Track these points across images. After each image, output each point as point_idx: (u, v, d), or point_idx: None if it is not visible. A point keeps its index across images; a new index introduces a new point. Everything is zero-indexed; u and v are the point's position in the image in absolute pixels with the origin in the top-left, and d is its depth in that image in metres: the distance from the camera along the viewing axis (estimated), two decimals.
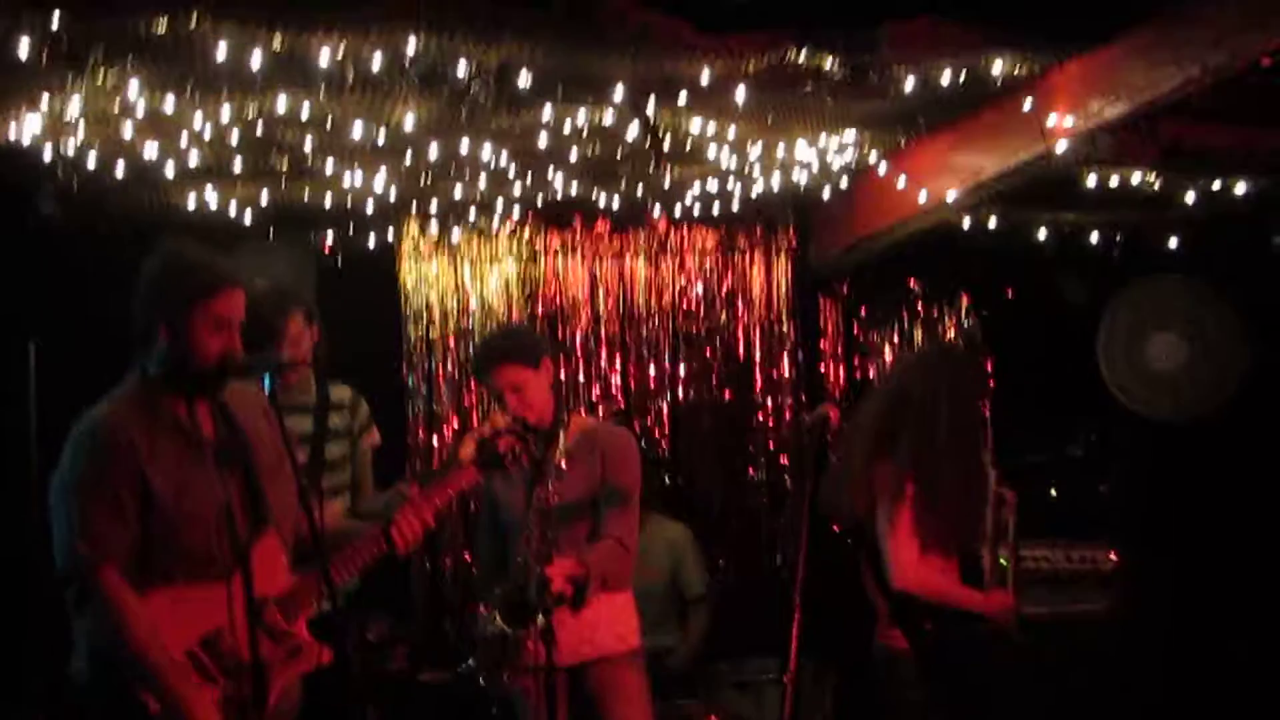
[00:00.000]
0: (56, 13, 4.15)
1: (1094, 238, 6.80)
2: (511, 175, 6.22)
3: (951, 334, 7.60)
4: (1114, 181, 5.72)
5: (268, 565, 3.67)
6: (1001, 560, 4.70)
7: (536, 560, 4.42)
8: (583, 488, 4.63)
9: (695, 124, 5.50)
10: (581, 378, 7.30)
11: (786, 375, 7.52)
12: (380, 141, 5.50)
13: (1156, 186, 5.83)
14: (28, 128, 5.05)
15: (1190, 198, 5.91)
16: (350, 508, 5.16)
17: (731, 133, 5.66)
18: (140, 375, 3.65)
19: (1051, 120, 4.91)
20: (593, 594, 4.53)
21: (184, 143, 5.48)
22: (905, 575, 4.41)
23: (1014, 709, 4.54)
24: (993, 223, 6.41)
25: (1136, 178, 5.72)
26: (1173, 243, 6.62)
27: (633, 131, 5.43)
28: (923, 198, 5.86)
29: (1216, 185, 5.83)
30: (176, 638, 3.50)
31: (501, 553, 4.81)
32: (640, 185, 6.59)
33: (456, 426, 7.14)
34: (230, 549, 3.60)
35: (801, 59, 4.75)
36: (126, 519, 3.49)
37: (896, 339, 7.65)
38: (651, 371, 7.44)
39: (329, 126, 5.33)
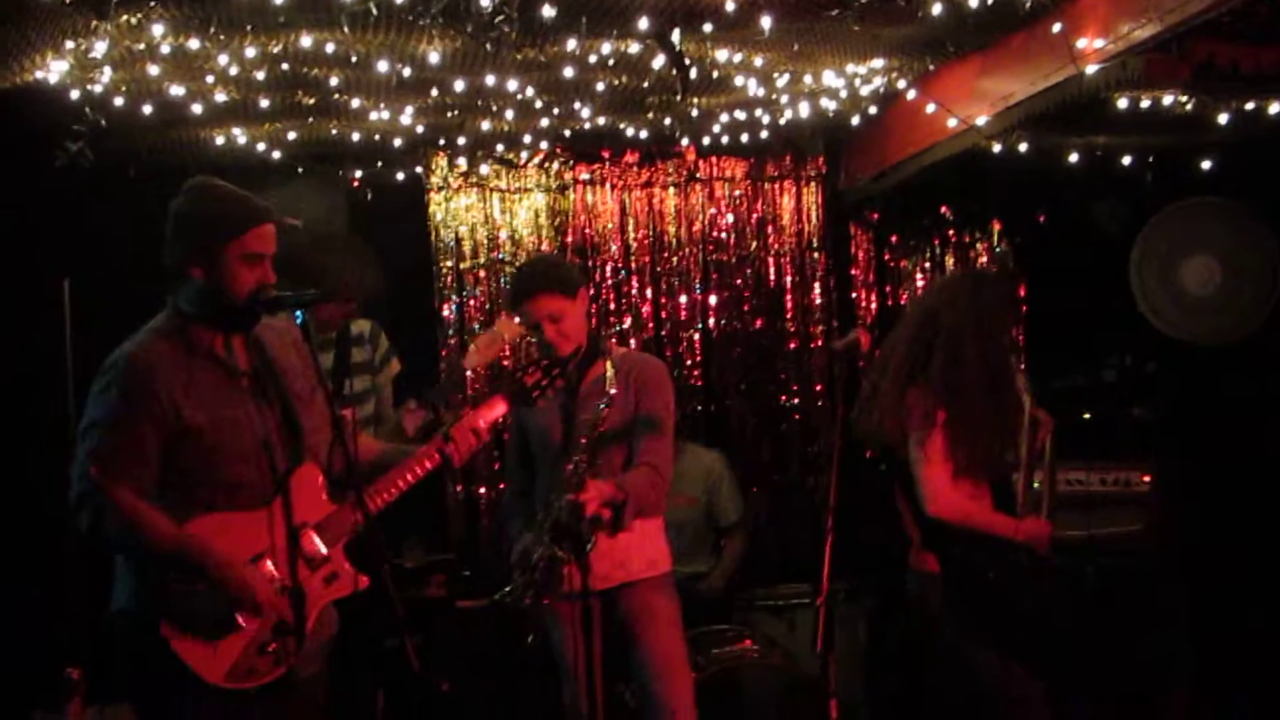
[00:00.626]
0: None
1: (1126, 161, 6.74)
2: (538, 108, 6.21)
3: (983, 259, 7.58)
4: (1145, 104, 5.66)
5: (306, 493, 3.75)
6: (1036, 484, 4.71)
7: (574, 485, 4.47)
8: (619, 415, 4.65)
9: (721, 53, 5.48)
10: (612, 308, 7.31)
11: (817, 303, 7.52)
12: (406, 76, 5.50)
13: (1189, 108, 5.76)
14: (54, 68, 5.07)
15: (1223, 119, 5.84)
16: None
17: (758, 61, 5.63)
18: (174, 311, 3.71)
19: (1081, 43, 4.86)
20: (629, 518, 4.59)
21: (210, 81, 5.49)
22: (937, 501, 4.43)
23: (1047, 632, 4.56)
24: (1023, 147, 6.35)
25: (1168, 100, 5.65)
26: (1206, 165, 6.55)
27: (659, 62, 5.41)
28: (952, 123, 5.83)
29: (1250, 106, 5.76)
30: None
31: (530, 479, 4.86)
32: (668, 115, 6.56)
33: None
34: (269, 477, 3.68)
35: None
36: (145, 455, 3.56)
37: (928, 265, 7.63)
38: (682, 301, 7.45)
39: (354, 63, 5.33)
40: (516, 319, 4.88)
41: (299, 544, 3.68)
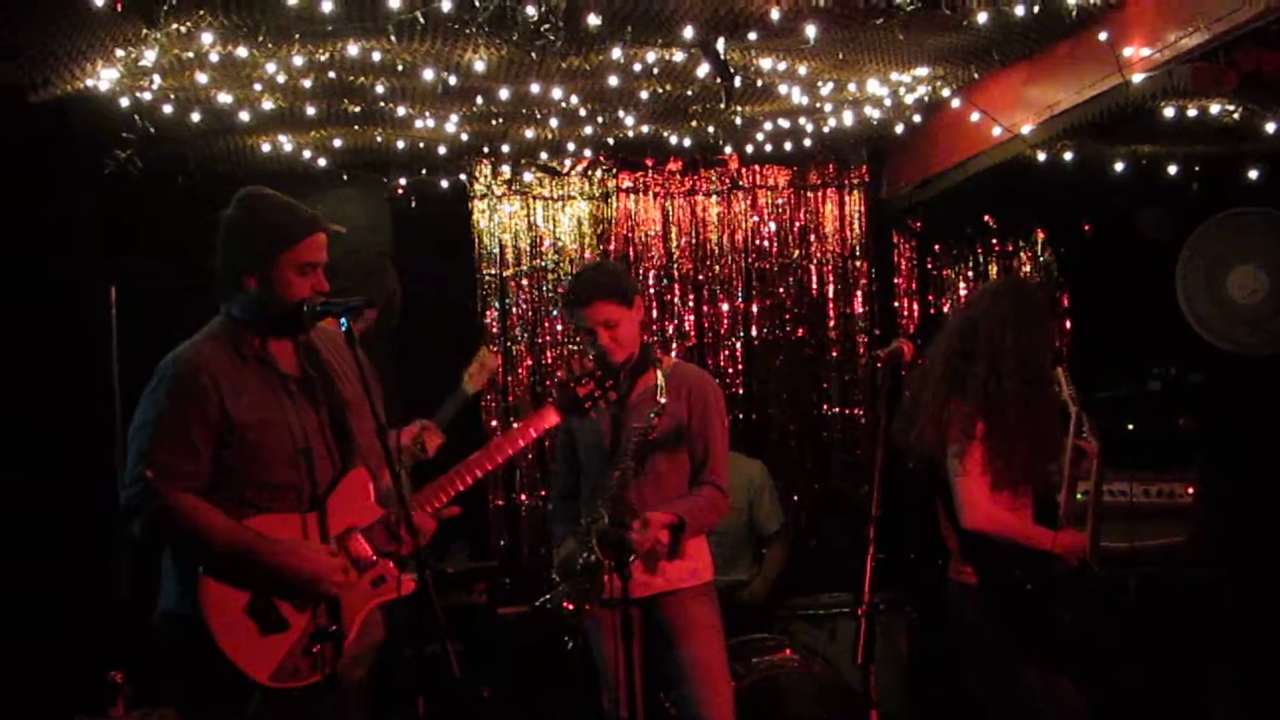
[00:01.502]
0: None
1: (1172, 170, 6.70)
2: (582, 115, 6.23)
3: (1027, 269, 7.54)
4: (1192, 113, 5.63)
5: (355, 497, 3.77)
6: (1079, 496, 4.68)
7: (623, 491, 4.50)
8: (668, 424, 4.67)
9: (766, 62, 5.48)
10: (654, 315, 7.31)
11: (860, 312, 7.50)
12: (451, 84, 5.53)
13: (1236, 117, 5.73)
14: (104, 76, 5.12)
15: (1270, 128, 5.80)
16: None
17: (802, 70, 5.63)
18: (225, 316, 3.76)
19: (1128, 51, 4.85)
20: (687, 540, 4.63)
21: (258, 89, 5.53)
22: (974, 514, 4.41)
23: (1090, 644, 4.54)
24: (1068, 156, 6.33)
25: (1215, 109, 5.63)
26: (1253, 174, 6.50)
27: (703, 70, 5.42)
28: (997, 131, 5.81)
29: None
30: None
31: (577, 485, 4.88)
32: (711, 124, 6.57)
33: (530, 364, 7.20)
34: (311, 480, 3.71)
35: None
36: (198, 453, 3.60)
37: (971, 274, 7.61)
38: (724, 309, 7.45)
39: (400, 71, 5.36)
40: (495, 350, 4.93)
41: (347, 547, 3.71)
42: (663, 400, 4.52)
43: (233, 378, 3.66)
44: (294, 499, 3.69)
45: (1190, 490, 5.89)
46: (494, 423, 7.08)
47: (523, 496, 7.17)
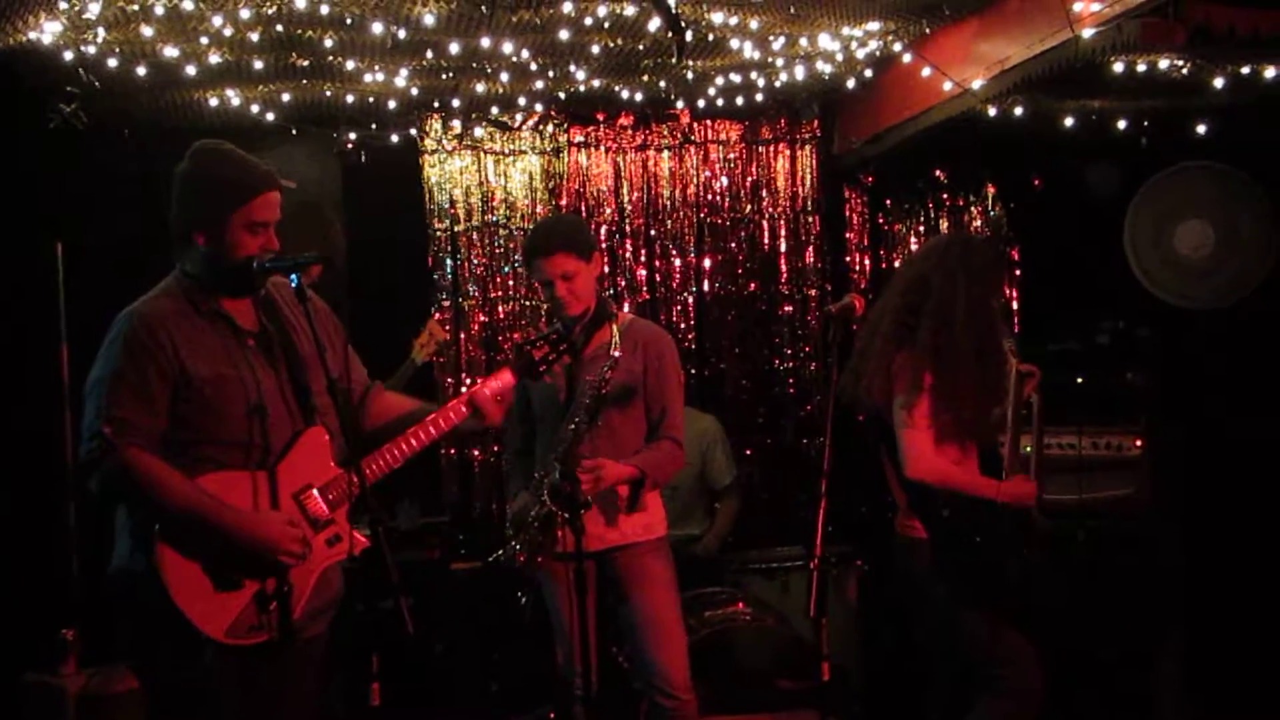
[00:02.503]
0: None
1: (1121, 125, 6.73)
2: (533, 70, 6.19)
3: (977, 224, 7.57)
4: (1141, 68, 5.65)
5: (313, 454, 3.77)
6: (1026, 449, 4.73)
7: (576, 445, 4.54)
8: (622, 378, 4.70)
9: (717, 16, 5.46)
10: (606, 271, 7.30)
11: (812, 266, 7.51)
12: (401, 38, 5.48)
13: (1185, 72, 5.76)
14: (48, 29, 5.05)
15: (1219, 83, 5.83)
16: None
17: (754, 24, 5.61)
18: (180, 273, 3.73)
19: (1078, 6, 4.85)
20: (646, 493, 4.67)
21: (204, 42, 5.47)
22: (918, 465, 4.45)
23: (1037, 595, 4.59)
24: (1019, 111, 6.34)
25: (1164, 63, 5.64)
26: (1201, 129, 6.54)
27: (654, 24, 5.39)
28: (948, 86, 5.81)
29: (1246, 70, 5.75)
30: None
31: (529, 439, 4.90)
32: (663, 78, 6.55)
33: (484, 319, 7.18)
34: (264, 438, 3.69)
35: None
36: (155, 409, 3.58)
37: (922, 229, 7.63)
38: (676, 264, 7.45)
39: (349, 24, 5.31)
40: (443, 323, 4.92)
41: (304, 505, 3.71)
42: (616, 354, 4.55)
43: (189, 334, 3.64)
44: (246, 457, 3.66)
45: (1138, 443, 5.94)
46: (448, 379, 7.06)
47: (475, 451, 7.16)
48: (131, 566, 3.63)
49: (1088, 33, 4.87)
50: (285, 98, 6.42)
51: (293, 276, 3.68)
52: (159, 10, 4.99)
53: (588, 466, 4.50)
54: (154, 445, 3.57)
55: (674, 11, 5.14)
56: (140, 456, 3.53)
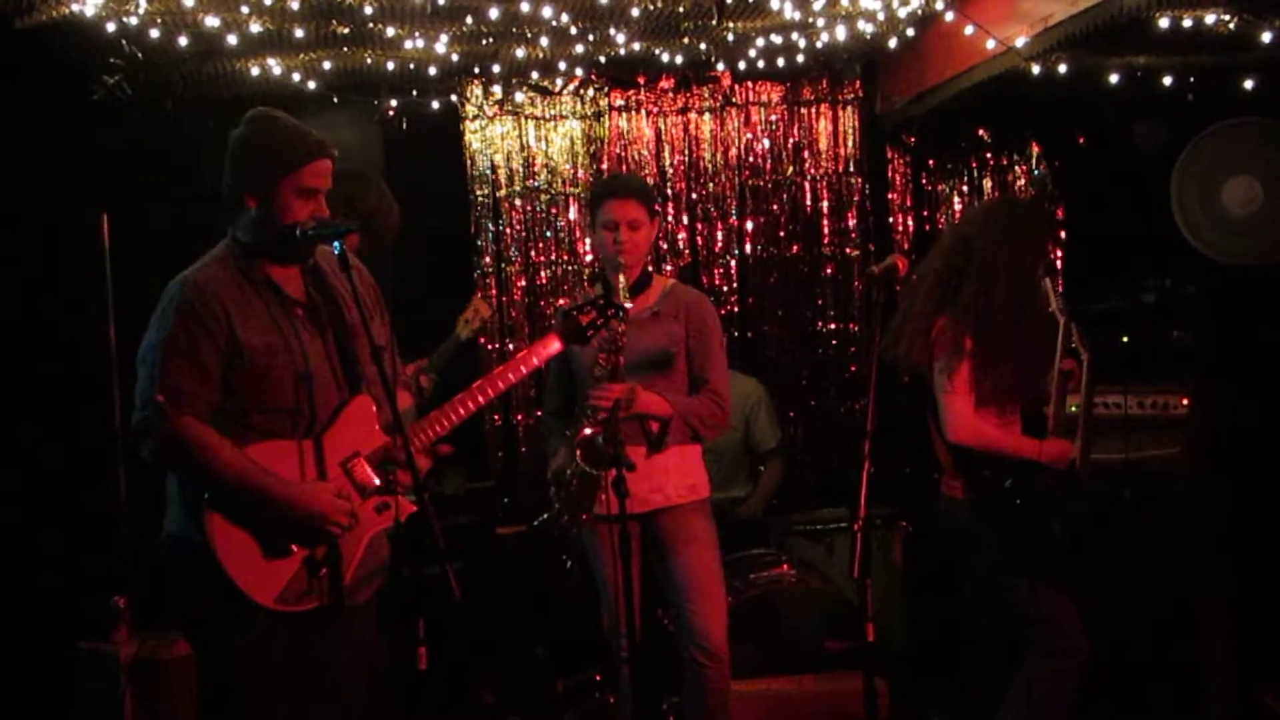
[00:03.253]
0: None
1: (1167, 81, 6.65)
2: (573, 34, 6.18)
3: (1021, 182, 7.52)
4: (1187, 23, 5.59)
5: (360, 423, 3.79)
6: (1073, 409, 4.70)
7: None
8: (664, 340, 4.73)
9: None
10: None
11: (854, 228, 7.49)
12: (440, 3, 5.48)
13: (1231, 27, 5.69)
14: (90, 1, 5.07)
15: (1266, 38, 5.76)
16: None
17: None
18: (231, 239, 3.76)
19: None
20: (674, 438, 4.66)
21: (245, 11, 5.49)
22: (959, 429, 4.45)
23: (1081, 554, 4.58)
24: (1063, 69, 6.28)
25: (1210, 19, 5.58)
26: (1248, 85, 6.46)
27: None
28: (991, 45, 5.77)
29: None
30: None
31: (567, 402, 4.92)
32: (703, 40, 6.52)
33: (525, 284, 7.20)
34: (311, 407, 3.71)
35: None
36: (209, 377, 3.60)
37: (965, 189, 7.58)
38: (719, 227, 7.44)
39: None
40: (487, 297, 4.92)
41: (351, 473, 3.73)
42: (627, 305, 4.52)
43: (240, 302, 3.66)
44: (294, 425, 3.69)
45: (1185, 401, 5.90)
46: (492, 345, 7.09)
47: (519, 416, 7.19)
48: (183, 534, 3.66)
49: None
50: (326, 66, 6.43)
51: (335, 244, 3.70)
52: None
53: (618, 388, 4.50)
54: (206, 414, 3.60)
55: None
56: (193, 425, 3.56)
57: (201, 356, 3.59)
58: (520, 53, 6.47)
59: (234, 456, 3.57)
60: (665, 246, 7.33)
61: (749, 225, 7.45)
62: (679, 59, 6.81)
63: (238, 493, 3.57)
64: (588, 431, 4.48)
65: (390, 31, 5.92)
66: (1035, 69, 6.11)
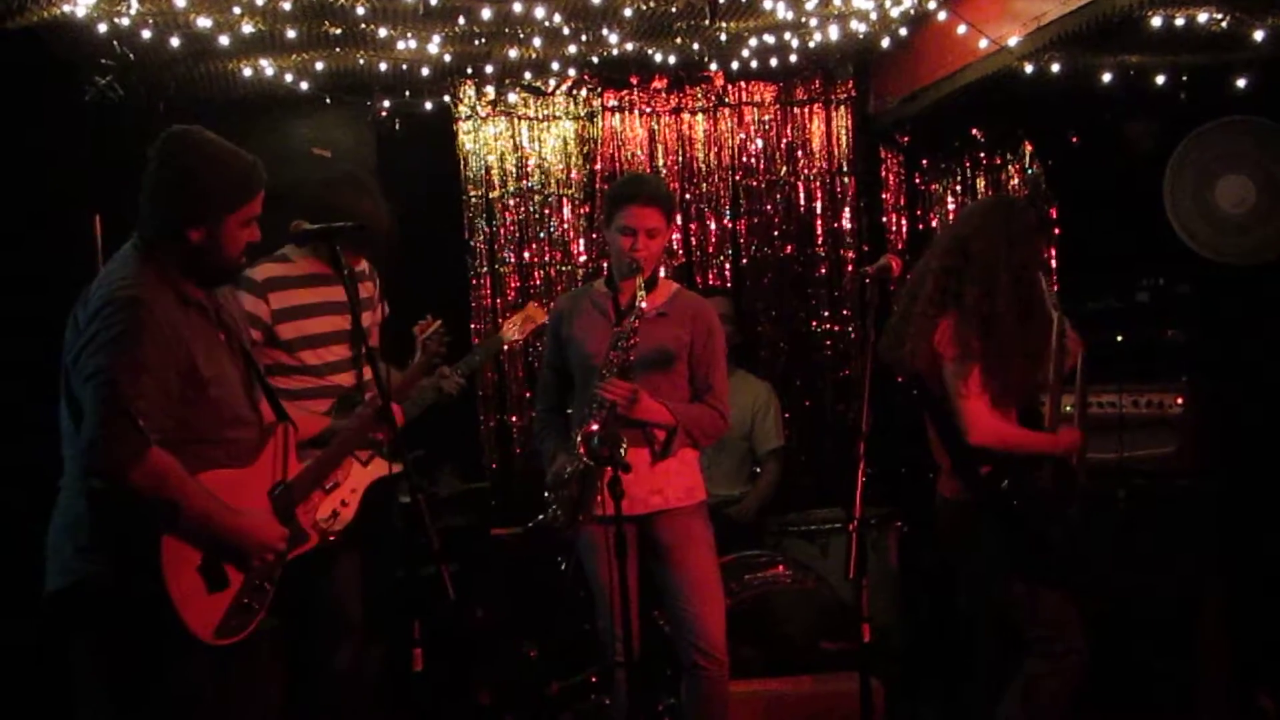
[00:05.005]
0: None
1: (1160, 80, 6.65)
2: (566, 34, 6.17)
3: (1015, 182, 7.52)
4: (1179, 22, 5.59)
5: (283, 452, 3.79)
6: (1068, 408, 4.70)
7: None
8: (669, 342, 4.73)
9: None
10: None
11: (848, 228, 7.48)
12: (433, 4, 5.47)
13: (1223, 26, 5.69)
14: (81, 2, 5.06)
15: (1259, 36, 5.75)
16: None
17: None
18: (152, 255, 3.59)
19: None
20: (678, 444, 4.66)
21: (237, 12, 5.47)
22: (980, 432, 4.43)
23: (1079, 554, 4.57)
24: (1055, 68, 6.28)
25: (1203, 17, 5.58)
26: (1241, 83, 6.46)
27: None
28: (984, 44, 5.77)
29: None
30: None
31: (562, 397, 4.92)
32: (696, 40, 6.52)
33: (518, 285, 7.19)
34: (258, 430, 3.69)
35: None
36: (170, 399, 3.44)
37: (959, 189, 7.58)
38: (712, 227, 7.43)
39: None
40: (543, 307, 4.95)
41: (279, 503, 3.75)
42: (643, 305, 4.53)
43: (180, 326, 3.52)
44: (232, 453, 3.62)
45: (1179, 401, 5.90)
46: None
47: (514, 417, 7.18)
48: (111, 574, 3.45)
49: None
50: (319, 66, 6.42)
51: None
52: None
53: (624, 387, 4.49)
54: (167, 441, 3.41)
55: None
56: (164, 458, 3.38)
57: (166, 379, 3.42)
58: (513, 53, 6.46)
59: (197, 486, 3.44)
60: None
61: (742, 225, 7.45)
62: (672, 59, 6.81)
63: (199, 523, 3.43)
64: (594, 426, 4.46)
65: (383, 32, 5.91)
66: (1028, 68, 6.11)
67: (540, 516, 4.77)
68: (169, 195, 3.59)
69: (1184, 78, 6.63)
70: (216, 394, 3.55)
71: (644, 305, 4.52)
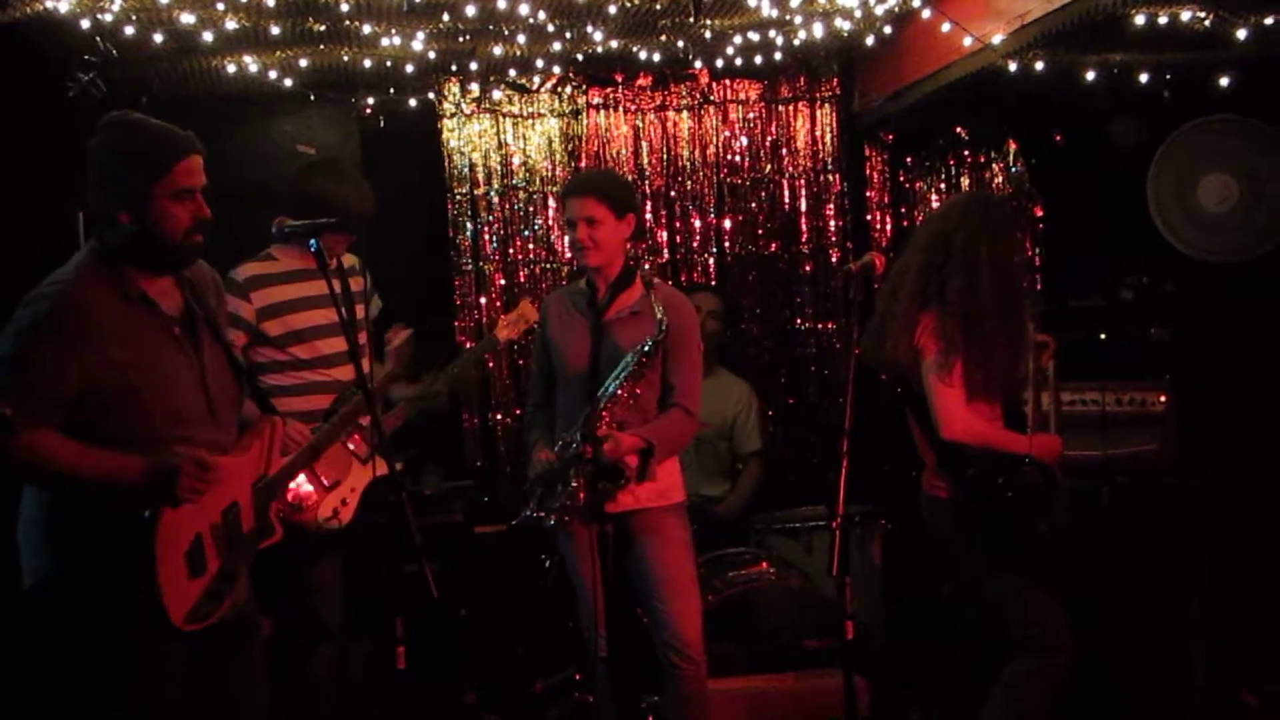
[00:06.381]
0: None
1: (1144, 79, 6.67)
2: (550, 31, 6.17)
3: (999, 180, 7.53)
4: (1163, 20, 5.60)
5: (272, 444, 3.78)
6: (1044, 406, 4.72)
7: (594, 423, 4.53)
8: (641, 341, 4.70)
9: None
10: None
11: (832, 226, 7.49)
12: (417, 1, 5.46)
13: (1207, 24, 5.70)
14: None
15: (1242, 35, 5.77)
16: None
17: None
18: (99, 249, 3.52)
19: None
20: (656, 465, 4.65)
21: (220, 8, 5.46)
22: (954, 425, 4.44)
23: (1062, 552, 4.58)
24: (1039, 66, 6.29)
25: (1186, 16, 5.59)
26: (1224, 82, 6.48)
27: None
28: (968, 42, 5.78)
29: (1269, 22, 5.69)
30: (194, 516, 3.46)
31: (550, 393, 4.92)
32: (681, 38, 6.51)
33: (503, 283, 7.18)
34: (217, 426, 3.60)
35: None
36: (62, 401, 3.35)
37: (943, 187, 7.59)
38: (696, 225, 7.43)
39: None
40: (535, 304, 4.98)
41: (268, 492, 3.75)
42: (659, 315, 4.57)
43: (119, 324, 3.43)
44: (207, 446, 3.51)
45: (1163, 398, 5.91)
46: (468, 345, 7.05)
47: (498, 415, 7.17)
48: (49, 568, 3.43)
49: None
50: (303, 63, 6.40)
51: (312, 241, 3.68)
52: None
53: (602, 436, 4.50)
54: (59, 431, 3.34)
55: None
56: (47, 437, 3.30)
57: (64, 381, 3.32)
58: (498, 50, 6.45)
59: (88, 452, 3.34)
60: (644, 245, 7.31)
61: (727, 223, 7.45)
62: (657, 57, 6.81)
63: (104, 481, 3.34)
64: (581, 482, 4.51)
65: (367, 29, 5.89)
66: (1012, 66, 6.12)
67: (524, 514, 4.76)
68: (96, 181, 3.53)
69: (1167, 76, 6.65)
70: (145, 387, 3.43)
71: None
